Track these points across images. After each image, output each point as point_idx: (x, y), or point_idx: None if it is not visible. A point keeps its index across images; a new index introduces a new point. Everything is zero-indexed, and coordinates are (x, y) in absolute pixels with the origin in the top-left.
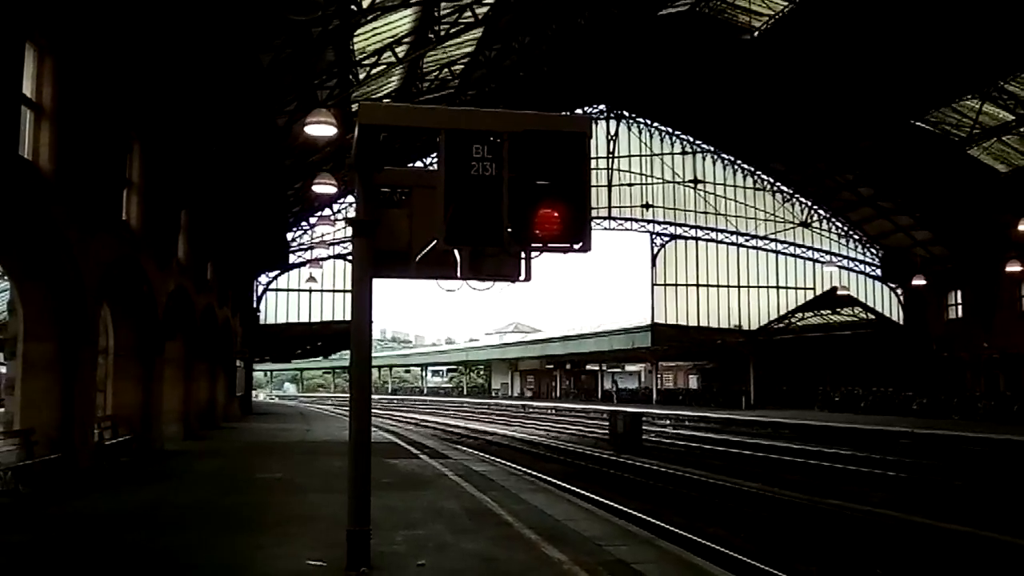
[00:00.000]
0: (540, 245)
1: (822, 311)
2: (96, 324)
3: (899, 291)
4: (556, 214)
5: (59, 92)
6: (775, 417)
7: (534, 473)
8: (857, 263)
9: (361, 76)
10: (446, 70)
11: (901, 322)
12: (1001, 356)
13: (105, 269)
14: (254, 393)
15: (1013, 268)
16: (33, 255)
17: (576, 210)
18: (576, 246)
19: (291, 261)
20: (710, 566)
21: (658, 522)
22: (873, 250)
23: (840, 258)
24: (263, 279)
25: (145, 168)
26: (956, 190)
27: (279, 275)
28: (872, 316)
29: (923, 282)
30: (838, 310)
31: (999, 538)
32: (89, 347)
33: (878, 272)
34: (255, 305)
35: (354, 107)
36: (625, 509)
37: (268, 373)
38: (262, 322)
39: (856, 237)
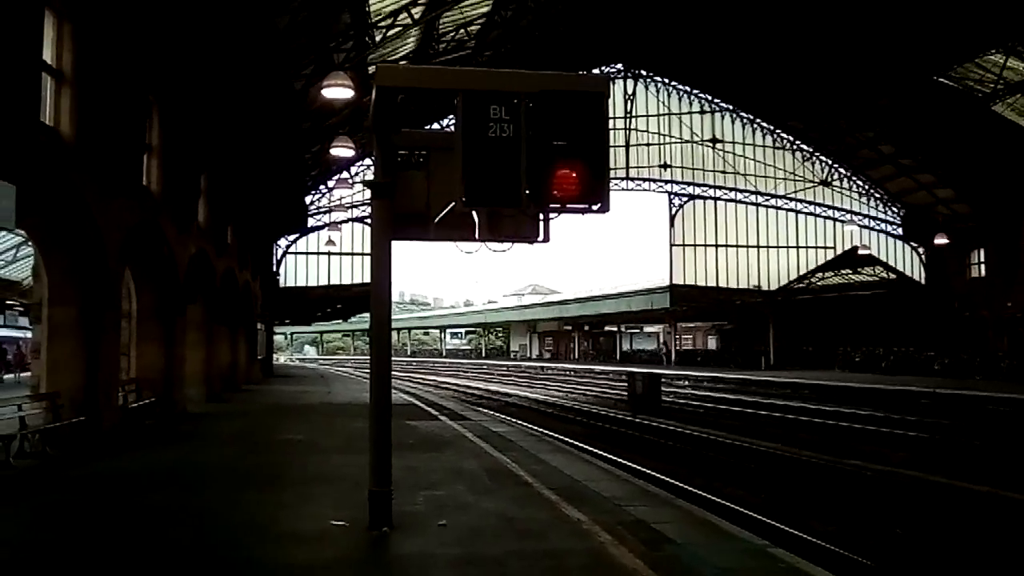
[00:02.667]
0: (558, 206)
1: (843, 271)
2: (119, 288)
3: (921, 250)
4: (574, 174)
5: (78, 58)
6: (795, 378)
7: (553, 434)
8: (878, 222)
9: (377, 38)
10: (462, 31)
11: (923, 281)
12: None
13: (126, 234)
14: (275, 356)
15: None
16: (56, 221)
17: (594, 170)
18: (594, 207)
19: (310, 224)
20: (729, 525)
21: (677, 482)
22: (894, 208)
23: (861, 217)
24: (282, 242)
25: (164, 133)
26: (979, 147)
27: (298, 238)
28: (893, 275)
29: (945, 240)
30: (859, 269)
31: (1020, 498)
32: (112, 311)
33: (899, 231)
34: (275, 268)
35: (371, 69)
36: (644, 469)
37: (288, 336)
38: (282, 285)
39: (877, 195)
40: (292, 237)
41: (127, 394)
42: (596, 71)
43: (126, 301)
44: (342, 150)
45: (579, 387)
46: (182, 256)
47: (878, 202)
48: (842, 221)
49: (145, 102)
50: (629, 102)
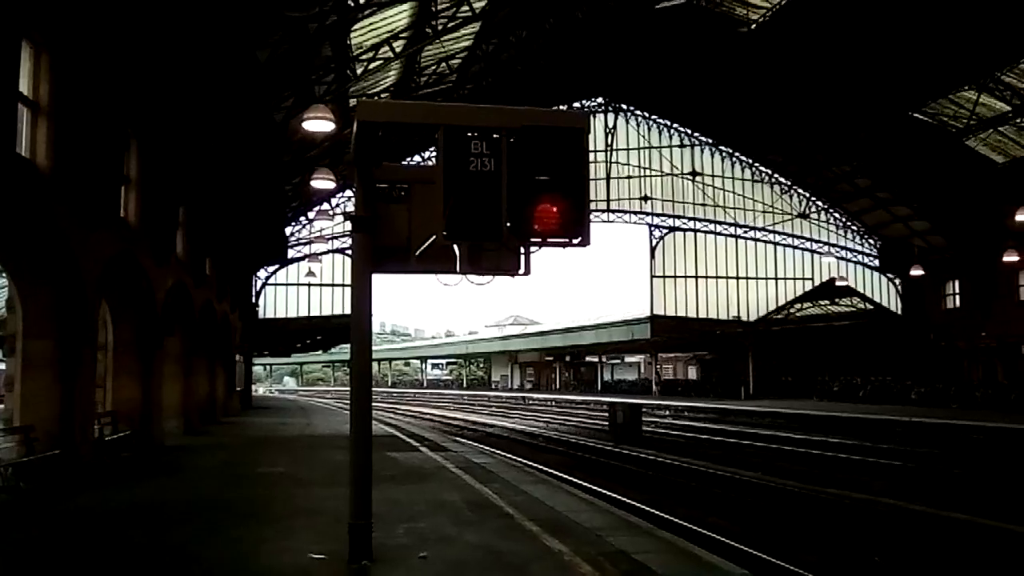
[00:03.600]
0: (539, 240)
1: (821, 301)
2: (95, 320)
3: (897, 281)
4: (555, 209)
5: (56, 89)
6: (774, 407)
7: (534, 465)
8: (855, 254)
9: (358, 71)
10: (444, 64)
11: (899, 312)
12: (998, 345)
13: (104, 266)
14: (254, 387)
15: (1010, 258)
16: (32, 253)
17: (575, 205)
18: (575, 240)
19: (290, 256)
20: (710, 556)
21: (658, 512)
22: (871, 240)
23: (838, 249)
24: (262, 274)
25: (143, 164)
26: (954, 180)
27: (278, 270)
28: (870, 306)
29: (921, 272)
30: (837, 300)
31: (998, 526)
32: (88, 343)
33: (876, 262)
34: (254, 300)
35: (352, 102)
36: (625, 500)
37: (267, 367)
38: (261, 316)
39: (854, 228)
40: (272, 268)
41: (103, 427)
42: (577, 105)
43: (102, 333)
44: (322, 182)
45: (560, 417)
46: (160, 288)
47: (855, 234)
48: (820, 253)
49: (123, 134)
50: (610, 135)
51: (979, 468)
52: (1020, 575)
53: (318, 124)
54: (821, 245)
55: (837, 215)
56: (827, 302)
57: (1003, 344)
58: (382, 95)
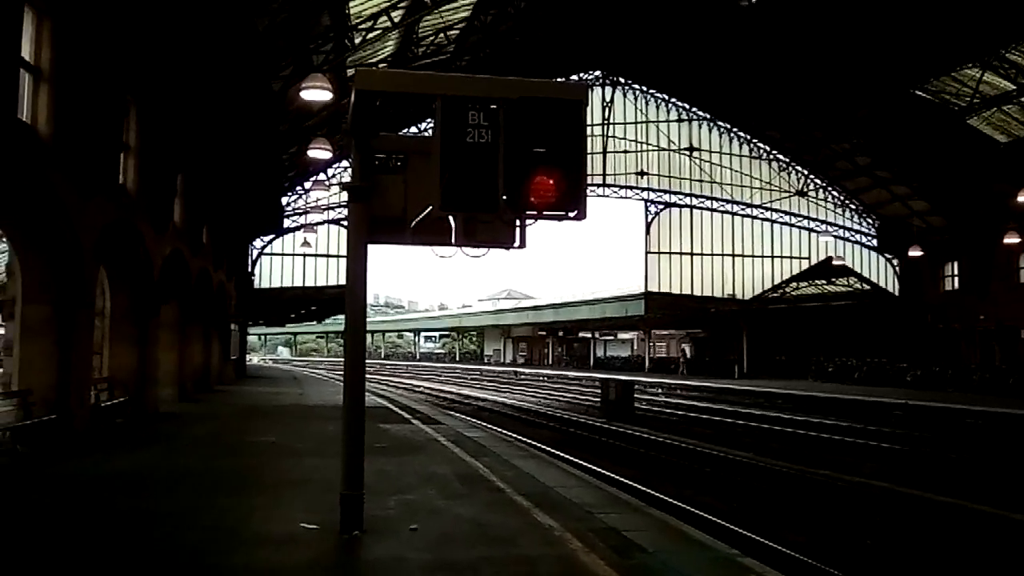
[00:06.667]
0: (535, 212)
1: (817, 281)
2: (93, 287)
3: (895, 261)
4: (551, 181)
5: (57, 55)
6: (767, 387)
7: (526, 440)
8: (853, 233)
9: (356, 41)
10: (441, 35)
11: (897, 293)
12: (996, 327)
13: (102, 232)
14: (248, 357)
15: (1011, 239)
16: (31, 219)
17: (572, 178)
18: (571, 214)
19: (286, 225)
20: (700, 534)
21: (649, 490)
22: (869, 220)
23: (836, 228)
24: (258, 243)
25: (142, 132)
26: (955, 160)
27: (274, 239)
28: (867, 286)
29: (919, 253)
30: (833, 280)
31: (990, 511)
32: (86, 310)
33: (874, 242)
34: (250, 269)
35: (349, 72)
36: (616, 477)
37: (262, 337)
38: (256, 286)
39: (852, 207)
40: (268, 238)
41: (99, 393)
42: (575, 77)
43: (100, 299)
44: (319, 152)
45: (553, 393)
46: (157, 256)
47: (853, 213)
48: (817, 232)
49: (123, 101)
50: (607, 109)
51: (975, 453)
52: (1009, 561)
53: (316, 93)
54: (818, 224)
55: (835, 193)
56: (823, 281)
57: (1001, 327)
58: (380, 65)
